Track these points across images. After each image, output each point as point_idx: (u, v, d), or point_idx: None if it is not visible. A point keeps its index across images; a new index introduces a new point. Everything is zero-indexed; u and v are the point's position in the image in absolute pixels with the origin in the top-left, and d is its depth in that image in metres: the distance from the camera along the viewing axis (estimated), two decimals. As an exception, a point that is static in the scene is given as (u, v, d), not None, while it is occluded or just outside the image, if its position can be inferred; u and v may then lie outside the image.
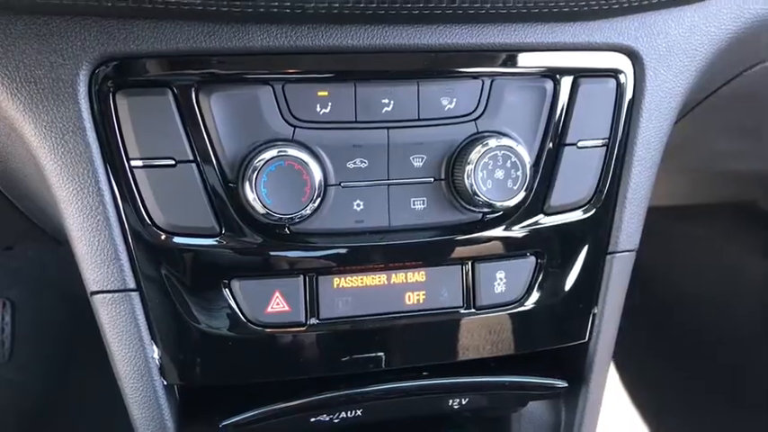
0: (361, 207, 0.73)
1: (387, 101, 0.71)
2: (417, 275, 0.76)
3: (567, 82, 0.75)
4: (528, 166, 0.73)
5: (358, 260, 0.74)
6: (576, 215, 0.79)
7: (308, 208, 0.69)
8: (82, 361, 1.53)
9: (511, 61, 0.74)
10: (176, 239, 0.70)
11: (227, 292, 0.72)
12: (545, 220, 0.78)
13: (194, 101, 0.67)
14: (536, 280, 0.79)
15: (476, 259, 0.77)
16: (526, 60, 0.74)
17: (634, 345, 1.75)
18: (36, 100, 0.65)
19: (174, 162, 0.68)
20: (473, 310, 0.78)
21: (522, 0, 0.66)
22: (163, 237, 0.70)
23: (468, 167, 0.72)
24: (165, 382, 0.75)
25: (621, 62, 0.77)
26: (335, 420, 0.79)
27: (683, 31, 0.78)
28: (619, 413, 1.99)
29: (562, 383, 0.86)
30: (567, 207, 0.79)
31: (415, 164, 0.73)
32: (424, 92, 0.72)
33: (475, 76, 0.73)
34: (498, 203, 0.72)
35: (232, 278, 0.72)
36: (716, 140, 1.17)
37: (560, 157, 0.76)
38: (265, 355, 0.74)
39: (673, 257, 1.86)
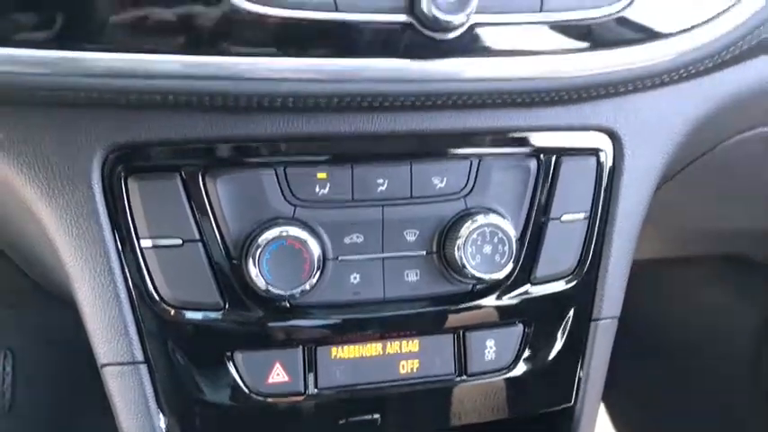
0: (358, 280, 0.77)
1: (381, 180, 0.76)
2: (411, 345, 0.80)
3: (550, 160, 0.80)
4: (514, 241, 0.77)
5: (354, 331, 0.78)
6: (561, 285, 0.83)
7: (308, 284, 0.73)
8: (84, 412, 1.55)
9: (497, 142, 0.79)
10: (183, 314, 0.74)
11: (230, 363, 0.76)
12: (532, 291, 0.82)
13: (201, 184, 0.72)
14: (524, 347, 0.83)
15: (467, 328, 0.81)
16: (512, 141, 0.79)
17: (621, 392, 1.78)
18: (53, 185, 0.69)
19: (181, 242, 0.72)
20: (465, 377, 0.82)
21: (511, 93, 0.72)
22: (170, 312, 0.74)
23: (459, 241, 0.76)
24: None
25: (601, 141, 0.82)
26: None
27: (658, 111, 0.83)
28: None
29: None
30: (553, 277, 0.83)
31: (409, 238, 0.78)
32: (417, 172, 0.77)
33: (464, 157, 0.78)
34: (486, 276, 0.77)
35: (235, 350, 0.76)
36: (700, 203, 1.22)
37: (545, 231, 0.81)
38: (266, 423, 0.78)
39: (660, 305, 1.90)
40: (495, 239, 0.76)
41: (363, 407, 0.80)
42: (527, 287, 0.82)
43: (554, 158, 0.80)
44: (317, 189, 0.75)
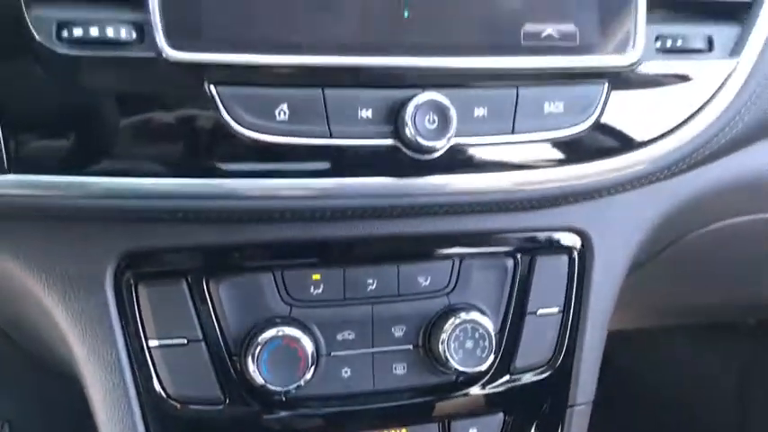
0: (349, 373, 0.83)
1: (371, 281, 0.83)
2: None
3: (525, 259, 0.88)
4: (494, 336, 0.84)
5: (345, 421, 0.84)
6: (539, 375, 0.90)
7: (302, 380, 0.79)
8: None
9: (477, 243, 0.86)
10: (186, 408, 0.80)
11: None
12: (511, 381, 0.89)
13: (205, 288, 0.78)
14: None
15: (451, 417, 0.87)
16: (490, 242, 0.86)
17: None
18: (69, 292, 0.76)
19: (186, 341, 0.78)
20: None
21: (489, 203, 0.79)
22: (175, 406, 0.79)
23: (443, 336, 0.82)
24: None
25: (572, 240, 0.89)
26: None
27: (625, 210, 0.90)
28: None
29: None
30: (531, 368, 0.89)
31: (396, 334, 0.84)
32: (404, 272, 0.84)
33: (446, 257, 0.85)
34: (469, 370, 0.83)
35: None
36: (674, 284, 1.29)
37: (522, 325, 0.88)
38: None
39: (647, 370, 1.95)
40: (477, 335, 0.83)
41: None
42: (507, 378, 0.88)
43: (529, 257, 0.88)
44: (312, 289, 0.81)
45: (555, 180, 0.79)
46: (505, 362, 0.88)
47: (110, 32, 0.65)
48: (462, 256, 0.85)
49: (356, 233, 0.80)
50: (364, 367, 0.84)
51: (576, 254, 0.89)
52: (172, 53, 0.66)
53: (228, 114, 0.68)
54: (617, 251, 0.91)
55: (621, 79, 0.78)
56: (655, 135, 0.81)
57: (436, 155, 0.73)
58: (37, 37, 0.65)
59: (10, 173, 0.66)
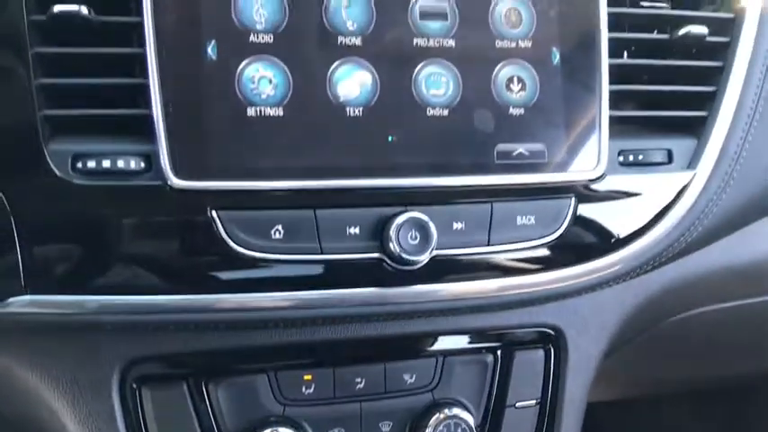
0: None
1: (359, 379, 0.88)
2: None
3: (504, 354, 0.94)
4: (475, 430, 0.89)
5: None
6: None
7: None
8: None
9: (459, 342, 0.92)
10: None
11: None
12: None
13: (204, 390, 0.84)
14: None
15: None
16: (470, 340, 0.93)
17: None
18: (78, 396, 0.81)
19: (186, 441, 0.84)
20: None
21: (469, 307, 0.86)
22: None
23: (428, 431, 0.88)
24: None
25: (547, 336, 0.95)
26: None
27: (597, 306, 0.97)
28: None
29: None
30: None
31: (384, 429, 0.89)
32: (390, 370, 0.89)
33: (430, 355, 0.91)
34: None
35: None
36: (650, 363, 1.34)
37: (502, 418, 0.93)
38: None
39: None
40: (459, 430, 0.88)
41: None
42: (489, 468, 0.94)
43: (508, 353, 0.94)
44: (304, 389, 0.87)
45: (529, 285, 0.86)
46: (488, 453, 0.93)
47: (120, 164, 0.72)
48: (445, 354, 0.91)
49: (345, 335, 0.86)
50: None
51: (551, 348, 0.95)
52: (177, 182, 0.73)
53: (228, 236, 0.75)
54: (591, 344, 0.98)
55: (587, 192, 0.86)
56: (620, 241, 0.88)
57: (418, 266, 0.79)
58: (54, 169, 0.72)
59: (27, 294, 0.72)
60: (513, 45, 0.83)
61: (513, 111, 0.83)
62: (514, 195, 0.83)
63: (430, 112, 0.80)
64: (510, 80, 0.83)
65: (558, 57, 0.84)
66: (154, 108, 0.73)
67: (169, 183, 0.73)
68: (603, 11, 0.86)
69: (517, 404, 0.94)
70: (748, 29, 0.93)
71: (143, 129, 0.73)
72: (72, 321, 0.75)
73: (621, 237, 0.88)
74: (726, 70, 0.92)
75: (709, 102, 0.92)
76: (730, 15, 0.94)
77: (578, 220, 0.85)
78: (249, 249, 0.75)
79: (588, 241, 0.87)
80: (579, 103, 0.85)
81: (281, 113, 0.76)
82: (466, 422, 0.89)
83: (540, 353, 0.95)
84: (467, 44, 0.82)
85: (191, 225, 0.75)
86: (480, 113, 0.82)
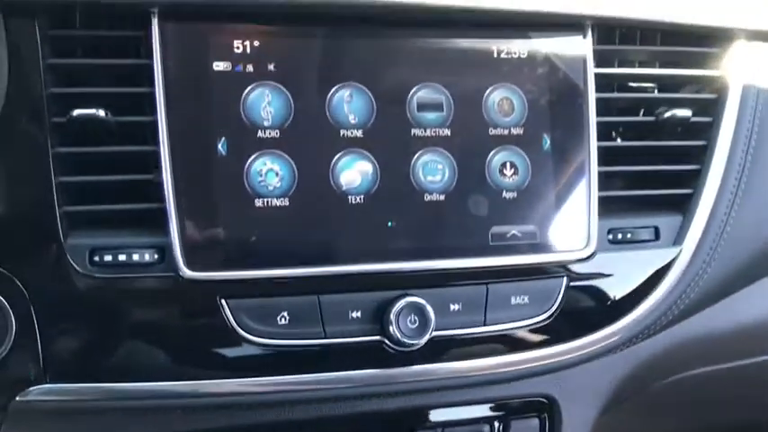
0: None
1: None
2: None
3: (501, 424, 0.97)
4: None
5: None
6: None
7: None
8: None
9: (457, 414, 0.96)
10: None
11: None
12: None
13: None
14: None
15: None
16: (467, 411, 0.96)
17: None
18: None
19: None
20: None
21: (467, 384, 0.90)
22: None
23: None
24: None
25: (541, 405, 0.99)
26: None
27: (588, 375, 1.00)
28: None
29: None
30: None
31: None
32: None
33: (429, 427, 0.95)
34: None
35: None
36: (652, 421, 1.37)
37: None
38: None
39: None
40: None
41: None
42: None
43: (504, 422, 0.97)
44: None
45: (524, 362, 0.90)
46: None
47: (135, 257, 0.77)
48: (444, 425, 0.95)
49: (346, 411, 0.90)
50: None
51: (545, 416, 0.99)
52: (189, 273, 0.77)
53: (237, 323, 0.79)
54: (584, 410, 1.01)
55: (578, 271, 0.90)
56: (610, 317, 0.92)
57: (417, 348, 0.83)
58: (73, 264, 0.76)
59: (47, 382, 0.76)
60: (506, 132, 0.87)
61: (507, 194, 0.87)
62: (508, 276, 0.87)
63: (427, 197, 0.84)
64: (503, 165, 0.87)
65: (548, 142, 0.89)
66: (167, 202, 0.77)
67: (181, 273, 0.77)
68: (592, 97, 0.90)
69: None
70: (731, 108, 0.98)
71: (156, 221, 0.77)
72: (89, 407, 0.79)
73: (611, 312, 0.92)
74: (710, 148, 0.97)
75: (695, 179, 0.96)
76: (713, 96, 0.98)
77: (570, 298, 0.89)
78: (257, 336, 0.79)
79: (580, 318, 0.91)
80: (570, 184, 0.90)
81: (287, 203, 0.80)
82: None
83: (535, 421, 0.99)
84: (462, 133, 0.86)
85: (201, 313, 0.79)
86: (475, 198, 0.86)
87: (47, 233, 0.76)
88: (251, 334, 0.79)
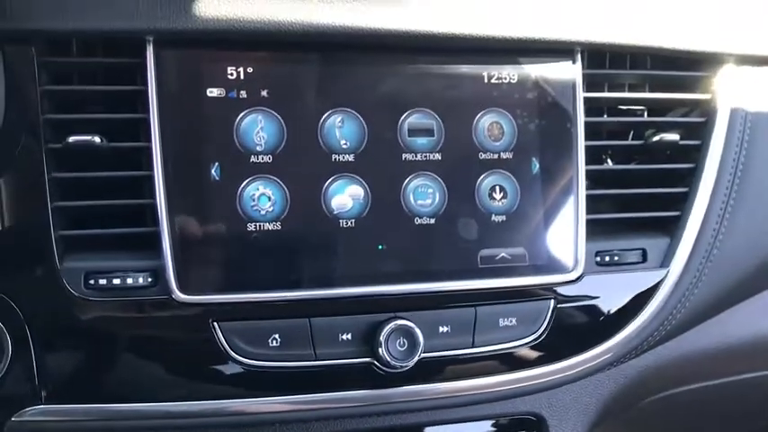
0: None
1: None
2: None
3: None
4: None
5: None
6: None
7: None
8: None
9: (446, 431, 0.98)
10: None
11: None
12: None
13: None
14: None
15: None
16: (458, 431, 0.98)
17: None
18: None
19: None
20: None
21: (455, 404, 0.91)
22: None
23: None
24: None
25: (531, 422, 1.01)
26: None
27: (576, 394, 1.03)
28: None
29: None
30: None
31: None
32: None
33: None
34: None
35: None
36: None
37: None
38: None
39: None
40: None
41: None
42: None
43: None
44: None
45: (512, 382, 0.91)
46: None
47: (129, 281, 0.78)
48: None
49: (336, 430, 0.91)
50: None
51: (535, 432, 1.01)
52: (182, 296, 0.78)
53: (229, 346, 0.80)
54: (573, 426, 1.03)
55: (566, 293, 0.91)
56: (597, 338, 0.94)
57: (406, 369, 0.85)
58: (68, 288, 0.77)
59: (42, 403, 0.78)
60: (496, 157, 0.89)
61: (496, 218, 0.88)
62: (497, 298, 0.89)
63: (417, 221, 0.86)
64: (492, 189, 0.88)
65: (537, 166, 0.90)
66: (161, 226, 0.78)
67: (174, 297, 0.78)
68: (581, 121, 0.91)
69: None
70: (719, 131, 0.98)
71: (150, 245, 0.79)
72: (83, 428, 0.80)
73: (599, 334, 0.94)
74: (697, 171, 0.98)
75: (682, 202, 0.97)
76: (702, 119, 0.99)
77: (558, 320, 0.91)
78: (249, 358, 0.81)
79: (567, 339, 0.92)
80: (558, 208, 0.91)
81: (279, 227, 0.82)
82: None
83: (525, 439, 1.01)
84: (452, 157, 0.88)
85: (193, 336, 0.81)
86: (465, 221, 0.88)
87: (43, 257, 0.77)
88: (243, 356, 0.81)
